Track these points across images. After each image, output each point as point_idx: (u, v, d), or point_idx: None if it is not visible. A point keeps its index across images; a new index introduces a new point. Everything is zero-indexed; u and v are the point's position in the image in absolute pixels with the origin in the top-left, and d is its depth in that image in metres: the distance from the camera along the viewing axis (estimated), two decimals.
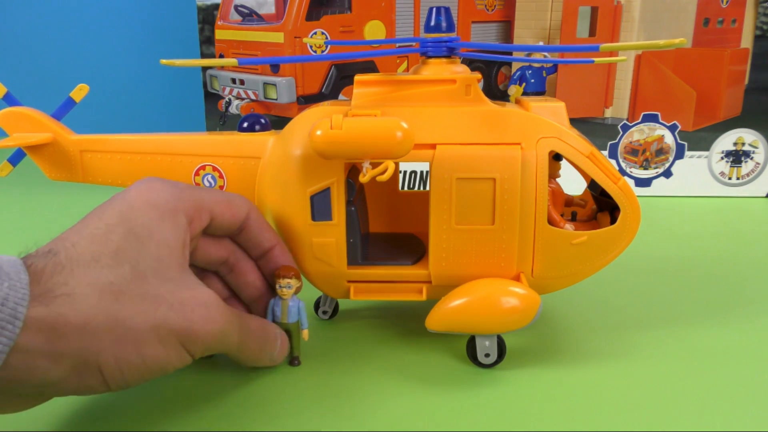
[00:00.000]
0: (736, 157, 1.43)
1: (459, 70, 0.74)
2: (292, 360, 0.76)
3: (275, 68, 1.48)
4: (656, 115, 1.42)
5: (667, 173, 1.45)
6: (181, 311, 0.59)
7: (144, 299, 0.57)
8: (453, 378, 0.72)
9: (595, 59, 0.87)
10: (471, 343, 0.74)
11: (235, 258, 0.73)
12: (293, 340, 0.75)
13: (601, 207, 0.82)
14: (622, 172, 1.45)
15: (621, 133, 1.44)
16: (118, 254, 0.58)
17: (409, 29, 1.48)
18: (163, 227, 0.62)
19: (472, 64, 1.51)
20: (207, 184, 0.80)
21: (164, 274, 0.60)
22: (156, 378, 0.60)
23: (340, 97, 1.51)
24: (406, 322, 0.85)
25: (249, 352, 0.69)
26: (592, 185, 0.85)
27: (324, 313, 0.86)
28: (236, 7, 1.51)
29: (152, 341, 0.57)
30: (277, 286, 0.72)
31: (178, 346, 0.59)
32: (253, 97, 1.53)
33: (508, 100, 0.83)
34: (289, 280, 0.71)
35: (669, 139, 1.43)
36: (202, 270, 0.73)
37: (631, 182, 1.45)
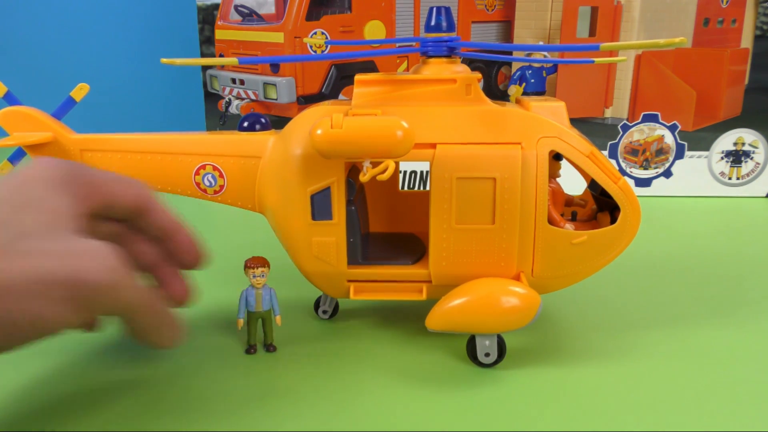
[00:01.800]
0: (736, 157, 1.43)
1: (459, 69, 0.74)
2: (268, 347, 0.78)
3: (275, 68, 1.48)
4: (656, 115, 1.42)
5: (667, 173, 1.45)
6: (70, 261, 0.56)
7: (27, 255, 0.55)
8: (453, 378, 0.72)
9: (595, 59, 0.87)
10: (471, 342, 0.74)
11: (125, 231, 0.72)
12: (267, 327, 0.77)
13: (601, 207, 0.82)
14: (622, 172, 1.45)
15: (621, 133, 1.44)
16: (4, 223, 0.57)
17: (409, 29, 1.48)
18: (53, 197, 0.62)
19: (472, 64, 1.51)
20: (207, 183, 0.80)
21: (54, 235, 0.59)
22: (45, 337, 0.57)
23: (340, 97, 1.51)
24: (406, 322, 0.85)
25: (149, 320, 0.65)
26: (592, 185, 0.85)
27: (324, 312, 0.86)
28: (236, 7, 1.51)
29: (35, 296, 0.55)
30: (251, 276, 0.75)
31: (66, 300, 0.56)
32: (253, 97, 1.53)
33: (508, 100, 0.83)
34: (263, 269, 0.75)
35: (669, 139, 1.43)
36: None
37: (631, 182, 1.45)
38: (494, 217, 0.71)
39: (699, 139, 1.43)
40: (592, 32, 1.43)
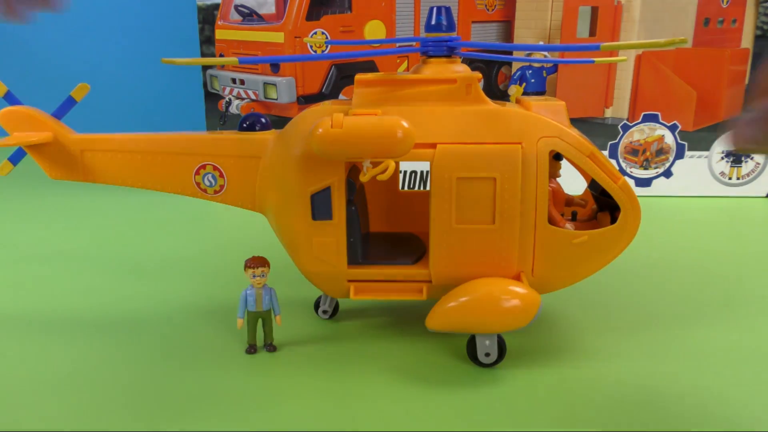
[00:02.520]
0: (736, 157, 1.43)
1: (459, 69, 0.74)
2: (268, 347, 0.78)
3: (275, 68, 1.48)
4: (656, 115, 1.42)
5: (667, 173, 1.45)
6: None
7: None
8: (453, 377, 0.72)
9: (595, 59, 0.87)
10: (471, 342, 0.74)
11: None
12: (266, 327, 0.77)
13: (601, 207, 0.82)
14: (623, 172, 1.45)
15: (621, 133, 1.44)
16: None
17: (409, 29, 1.48)
18: None
19: (472, 63, 1.51)
20: (207, 183, 0.80)
21: None
22: None
23: (341, 96, 1.51)
24: (406, 322, 0.85)
25: None
26: (593, 185, 0.85)
27: (324, 312, 0.86)
28: (236, 7, 1.51)
29: None
30: (251, 276, 0.74)
31: None
32: (253, 97, 1.53)
33: (509, 100, 0.83)
34: (263, 269, 0.74)
35: (669, 139, 1.43)
36: None
37: (631, 182, 1.45)
38: (494, 217, 0.71)
39: (699, 139, 1.43)
40: (592, 32, 1.43)
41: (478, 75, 0.74)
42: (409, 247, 0.82)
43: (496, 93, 1.51)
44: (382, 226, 0.89)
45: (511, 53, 1.45)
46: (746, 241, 1.17)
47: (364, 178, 0.68)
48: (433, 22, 0.74)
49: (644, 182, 1.46)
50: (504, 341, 0.74)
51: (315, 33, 1.45)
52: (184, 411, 0.67)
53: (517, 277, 0.74)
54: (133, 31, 2.01)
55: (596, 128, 1.45)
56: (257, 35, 1.50)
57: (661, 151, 1.44)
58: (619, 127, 1.43)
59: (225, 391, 0.70)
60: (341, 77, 1.50)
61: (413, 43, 1.27)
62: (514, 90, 1.48)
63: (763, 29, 1.39)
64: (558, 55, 1.47)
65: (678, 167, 1.44)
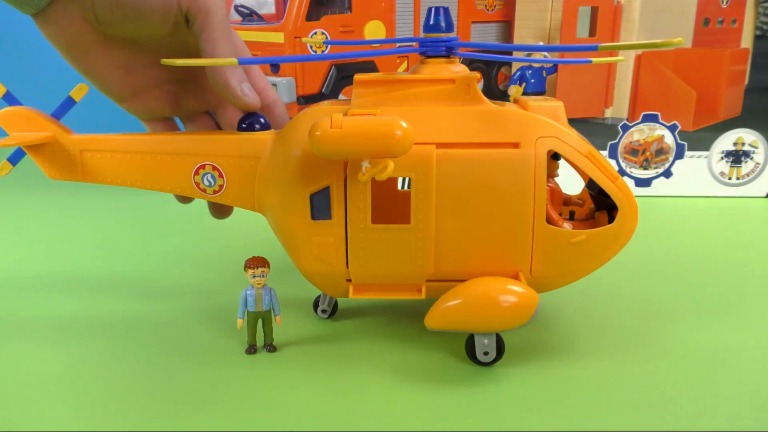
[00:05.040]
0: (736, 157, 1.43)
1: (458, 69, 0.75)
2: (268, 347, 0.78)
3: (275, 68, 1.48)
4: (656, 115, 1.42)
5: (667, 173, 1.45)
6: None
7: None
8: (452, 376, 0.72)
9: (593, 59, 0.87)
10: (470, 341, 0.74)
11: None
12: (266, 327, 0.77)
13: (598, 206, 0.82)
14: (622, 172, 1.45)
15: (621, 133, 1.44)
16: None
17: (409, 29, 1.48)
18: None
19: (472, 64, 1.51)
20: (207, 183, 0.80)
21: None
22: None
23: (340, 97, 1.51)
24: (405, 321, 0.85)
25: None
26: (590, 184, 0.85)
27: (323, 311, 0.86)
28: (236, 7, 1.51)
29: None
30: (251, 277, 0.75)
31: None
32: None
33: (508, 100, 0.84)
34: (263, 269, 0.75)
35: (669, 139, 1.43)
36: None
37: (631, 182, 1.45)
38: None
39: (699, 139, 1.43)
40: (592, 32, 1.43)
41: (477, 75, 0.74)
42: None
43: (496, 93, 1.52)
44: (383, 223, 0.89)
45: (510, 53, 1.45)
46: (746, 241, 1.17)
47: (362, 178, 0.68)
48: (431, 22, 0.74)
49: (644, 182, 1.46)
50: (502, 340, 0.74)
51: (315, 33, 1.46)
52: (184, 411, 0.67)
53: (516, 276, 0.74)
54: None
55: (596, 128, 1.45)
56: (257, 35, 1.50)
57: (661, 151, 1.44)
58: (618, 127, 1.43)
59: (225, 392, 0.70)
60: (341, 77, 1.50)
61: (412, 44, 1.27)
62: (514, 90, 1.48)
63: (762, 29, 1.39)
64: (558, 55, 1.47)
65: (678, 167, 1.44)
